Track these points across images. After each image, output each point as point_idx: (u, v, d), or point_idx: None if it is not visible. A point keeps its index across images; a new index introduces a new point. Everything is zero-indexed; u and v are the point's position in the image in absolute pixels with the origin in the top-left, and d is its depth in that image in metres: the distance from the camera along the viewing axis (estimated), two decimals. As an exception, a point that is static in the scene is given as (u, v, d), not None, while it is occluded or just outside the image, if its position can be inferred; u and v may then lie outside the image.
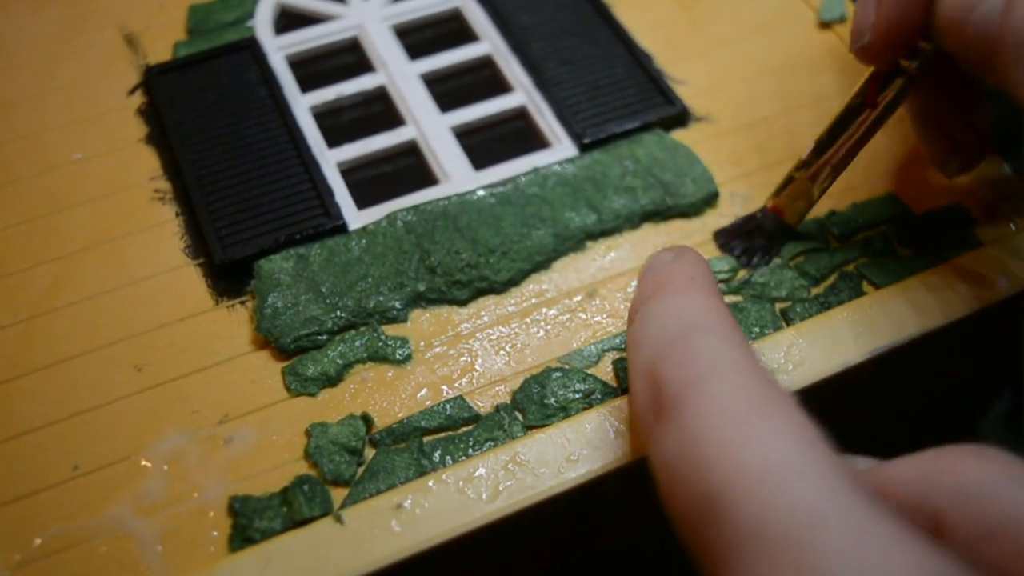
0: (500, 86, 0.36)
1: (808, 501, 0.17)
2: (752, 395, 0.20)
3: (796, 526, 0.17)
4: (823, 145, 0.29)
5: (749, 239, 0.30)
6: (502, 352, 0.28)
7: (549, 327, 0.29)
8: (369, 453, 0.26)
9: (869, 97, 0.28)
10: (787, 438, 0.19)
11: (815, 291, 0.30)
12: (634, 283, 0.30)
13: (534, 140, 0.34)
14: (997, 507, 0.19)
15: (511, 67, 0.36)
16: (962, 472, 0.19)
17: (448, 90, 0.35)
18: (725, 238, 0.31)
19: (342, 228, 0.31)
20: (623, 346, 0.28)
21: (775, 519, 0.17)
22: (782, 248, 0.31)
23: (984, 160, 0.32)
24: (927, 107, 0.30)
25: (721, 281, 0.30)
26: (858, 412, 0.32)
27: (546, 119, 0.34)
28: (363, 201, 0.32)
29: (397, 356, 0.28)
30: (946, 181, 0.32)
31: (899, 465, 0.21)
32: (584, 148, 0.33)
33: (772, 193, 0.31)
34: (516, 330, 0.29)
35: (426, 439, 0.27)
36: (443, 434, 0.27)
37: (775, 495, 0.18)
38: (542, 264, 0.30)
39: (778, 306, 0.29)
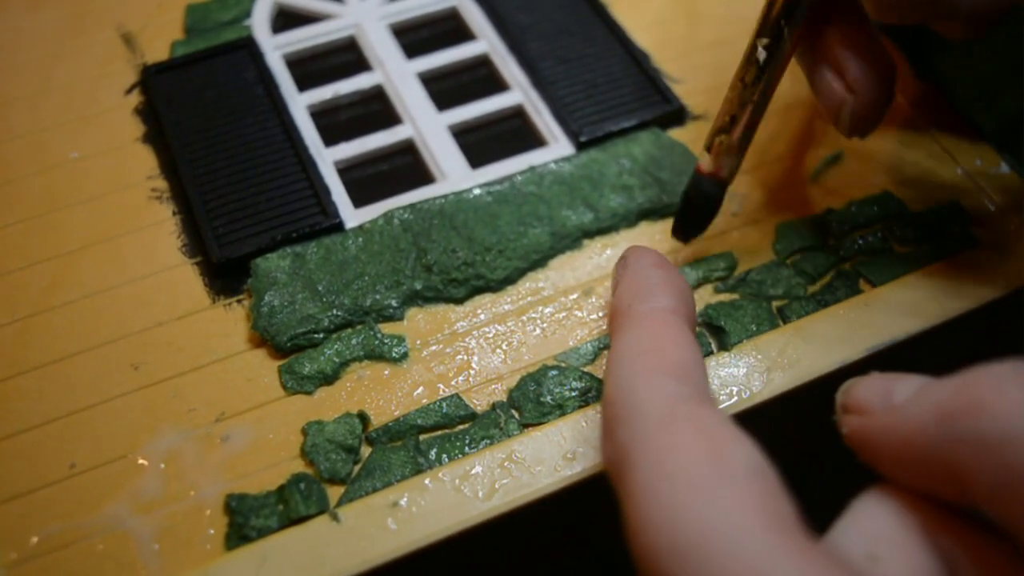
0: (497, 85, 0.36)
1: (743, 566, 0.17)
2: (671, 468, 0.19)
3: None
4: (744, 102, 0.28)
5: (698, 207, 0.30)
6: (498, 350, 0.28)
7: (545, 325, 0.29)
8: (365, 451, 0.26)
9: (782, 37, 0.27)
10: (716, 503, 0.18)
11: (812, 289, 0.30)
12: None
13: (531, 139, 0.34)
14: (1008, 453, 0.17)
15: (508, 66, 0.36)
16: (979, 412, 0.18)
17: (445, 89, 0.35)
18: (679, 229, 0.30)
19: (339, 227, 0.31)
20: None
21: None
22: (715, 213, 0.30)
23: (884, 118, 0.29)
24: (817, 37, 0.28)
25: (718, 279, 0.30)
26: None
27: (543, 118, 0.34)
28: (360, 200, 0.32)
29: (393, 354, 0.28)
30: (945, 181, 0.32)
31: (919, 402, 0.19)
32: (581, 147, 0.33)
33: (701, 156, 0.29)
34: (512, 328, 0.29)
35: (422, 437, 0.27)
36: (439, 432, 0.27)
37: (703, 566, 0.17)
38: (539, 262, 0.30)
39: (775, 304, 0.29)
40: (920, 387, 0.20)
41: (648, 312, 0.24)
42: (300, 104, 0.34)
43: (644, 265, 0.26)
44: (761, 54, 0.27)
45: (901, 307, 0.29)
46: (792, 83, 0.35)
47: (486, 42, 0.36)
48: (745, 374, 0.28)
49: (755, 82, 0.28)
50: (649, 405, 0.21)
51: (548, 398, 0.27)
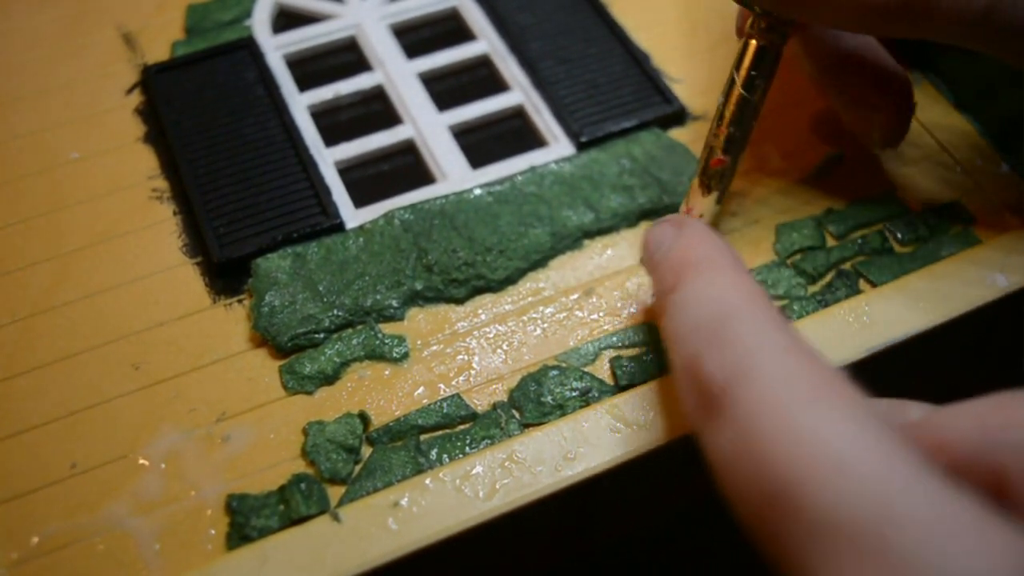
0: (498, 85, 0.36)
1: (879, 490, 0.17)
2: (801, 380, 0.19)
3: (870, 518, 0.16)
4: (717, 146, 0.28)
5: None
6: (499, 350, 0.28)
7: (546, 325, 0.29)
8: (366, 451, 0.26)
9: (754, 87, 0.28)
10: (846, 421, 0.18)
11: (812, 289, 0.30)
12: (631, 281, 0.30)
13: (531, 139, 0.34)
14: None
15: (509, 66, 0.36)
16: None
17: (446, 89, 0.35)
18: None
19: (339, 227, 0.31)
20: (620, 344, 0.28)
21: (847, 512, 0.17)
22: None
23: (907, 131, 0.31)
24: (841, 84, 0.30)
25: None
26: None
27: (543, 118, 0.34)
28: (360, 200, 0.32)
29: (394, 354, 0.28)
30: (945, 180, 0.32)
31: (956, 415, 0.20)
32: (581, 147, 0.33)
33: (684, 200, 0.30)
34: (513, 328, 0.29)
35: (423, 437, 0.27)
36: (440, 432, 0.27)
37: (843, 486, 0.17)
38: (539, 263, 0.30)
39: (775, 304, 0.29)
40: (931, 407, 0.21)
41: (732, 267, 0.23)
42: (301, 104, 0.34)
43: (706, 228, 0.26)
44: (743, 98, 0.28)
45: (902, 307, 0.29)
46: (791, 82, 0.35)
47: (487, 42, 0.36)
48: (746, 374, 0.27)
49: (718, 125, 0.28)
50: (768, 328, 0.21)
51: (549, 398, 0.27)
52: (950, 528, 0.16)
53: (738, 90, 0.28)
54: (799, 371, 0.19)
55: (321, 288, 0.29)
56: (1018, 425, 0.19)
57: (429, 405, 0.27)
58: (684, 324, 0.22)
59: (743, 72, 0.28)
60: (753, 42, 0.27)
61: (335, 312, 0.29)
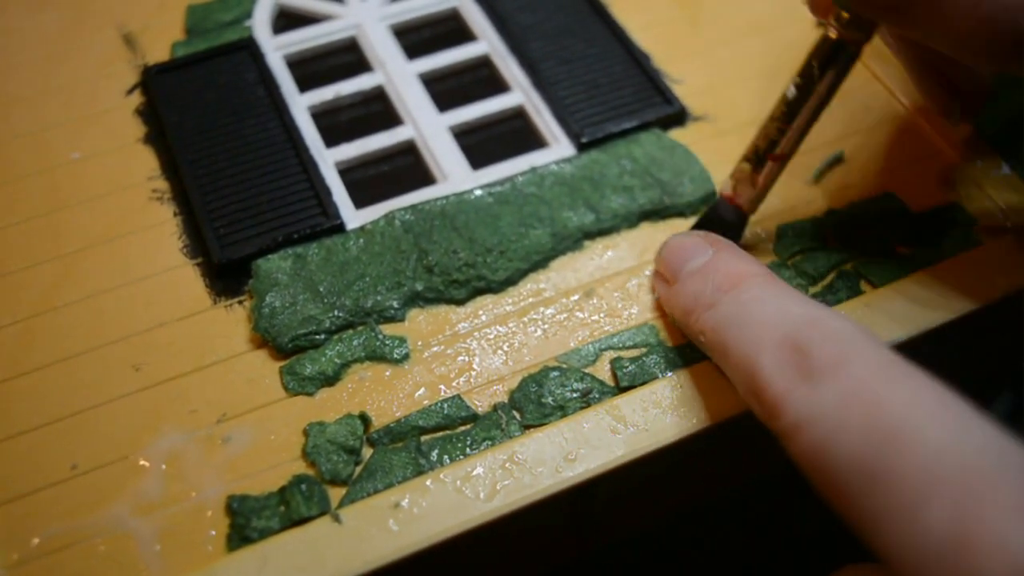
0: (498, 86, 0.36)
1: (982, 448, 0.19)
2: (896, 364, 0.21)
3: (975, 462, 0.19)
4: (771, 138, 0.28)
5: (714, 231, 0.30)
6: (500, 351, 0.28)
7: (547, 326, 0.29)
8: (367, 452, 0.26)
9: (813, 79, 0.27)
10: (941, 396, 0.20)
11: (813, 290, 0.30)
12: (632, 282, 0.30)
13: (532, 140, 0.34)
14: None
15: (509, 67, 0.36)
16: None
17: (446, 90, 0.35)
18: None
19: (340, 228, 0.31)
20: (621, 345, 0.28)
21: (955, 452, 0.19)
22: (741, 235, 0.30)
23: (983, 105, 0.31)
24: (922, 60, 0.30)
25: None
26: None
27: (544, 119, 0.34)
28: (361, 201, 0.32)
29: (395, 355, 0.28)
30: (944, 180, 0.32)
31: None
32: (582, 147, 0.33)
33: (724, 184, 0.30)
34: (514, 329, 0.29)
35: (424, 438, 0.27)
36: (441, 433, 0.27)
37: (948, 431, 0.19)
38: (540, 263, 0.30)
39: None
40: None
41: (781, 281, 0.26)
42: (301, 105, 0.34)
43: (737, 247, 0.28)
44: (791, 91, 0.27)
45: (902, 308, 0.29)
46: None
47: (487, 43, 0.36)
48: (746, 375, 0.27)
49: (782, 118, 0.28)
50: (850, 326, 0.23)
51: (549, 399, 0.27)
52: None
53: (817, 84, 0.27)
54: (892, 359, 0.22)
55: (322, 289, 0.29)
56: None
57: (430, 406, 0.27)
58: (767, 310, 0.24)
59: (819, 66, 0.27)
60: (833, 34, 0.27)
61: (336, 313, 0.29)
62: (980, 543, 0.18)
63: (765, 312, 0.24)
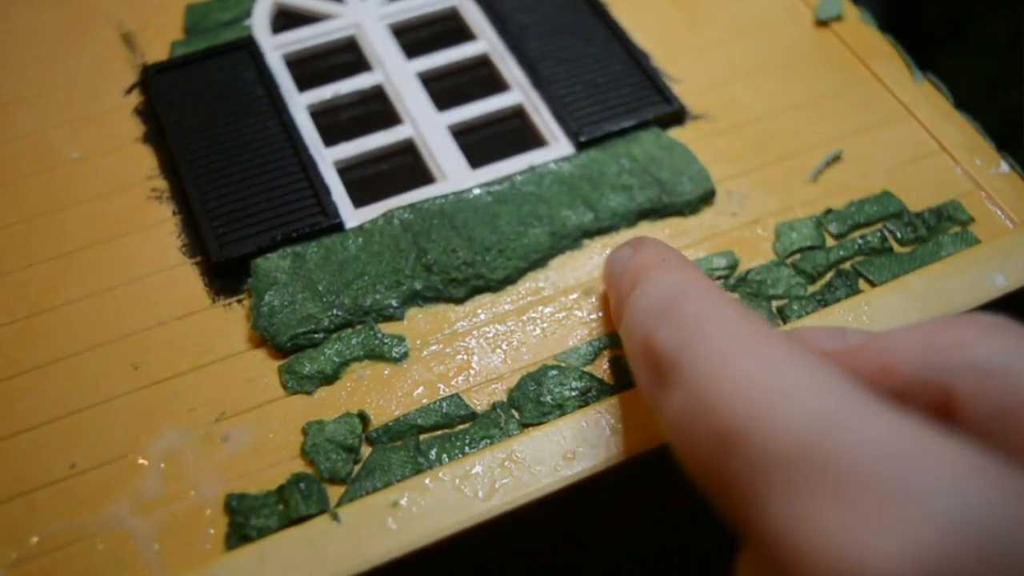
0: (497, 85, 0.36)
1: (823, 416, 0.17)
2: (743, 335, 0.20)
3: (816, 444, 0.16)
4: None
5: None
6: (498, 350, 0.28)
7: (545, 325, 0.29)
8: (366, 451, 0.26)
9: None
10: (786, 363, 0.18)
11: (812, 289, 0.30)
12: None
13: (531, 138, 0.34)
14: (1011, 382, 0.18)
15: (508, 66, 0.36)
16: (971, 345, 0.19)
17: (445, 89, 0.35)
18: None
19: (339, 226, 0.31)
20: (620, 344, 0.28)
21: (792, 440, 0.17)
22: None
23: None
24: None
25: (718, 278, 0.30)
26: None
27: (543, 117, 0.34)
28: (360, 199, 0.32)
29: (394, 354, 0.28)
30: (945, 180, 0.32)
31: (900, 338, 0.20)
32: (581, 146, 0.33)
33: None
34: (512, 328, 0.29)
35: (422, 437, 0.27)
36: (439, 432, 0.27)
37: (786, 416, 0.17)
38: (539, 262, 0.30)
39: (774, 304, 0.29)
40: (869, 332, 0.21)
41: (688, 267, 0.24)
42: (300, 104, 0.34)
43: (663, 244, 0.26)
44: None
45: (901, 307, 0.29)
46: (792, 83, 0.35)
47: (486, 42, 0.36)
48: (745, 374, 0.27)
49: None
50: (718, 298, 0.21)
51: (548, 398, 0.27)
52: (899, 446, 0.16)
53: None
54: (742, 330, 0.20)
55: (320, 288, 0.29)
56: (963, 344, 0.19)
57: (428, 405, 0.27)
58: (636, 313, 0.23)
59: None
60: None
61: (334, 312, 0.29)
62: (809, 555, 0.16)
63: (636, 313, 0.23)
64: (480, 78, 0.36)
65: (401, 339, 0.28)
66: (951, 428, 0.18)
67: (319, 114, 0.34)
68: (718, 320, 0.20)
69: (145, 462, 0.26)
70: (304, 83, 0.35)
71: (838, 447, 0.16)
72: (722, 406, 0.18)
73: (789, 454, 0.17)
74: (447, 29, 0.38)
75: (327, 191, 0.31)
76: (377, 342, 0.28)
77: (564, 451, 0.26)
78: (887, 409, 0.17)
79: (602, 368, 0.28)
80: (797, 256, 0.31)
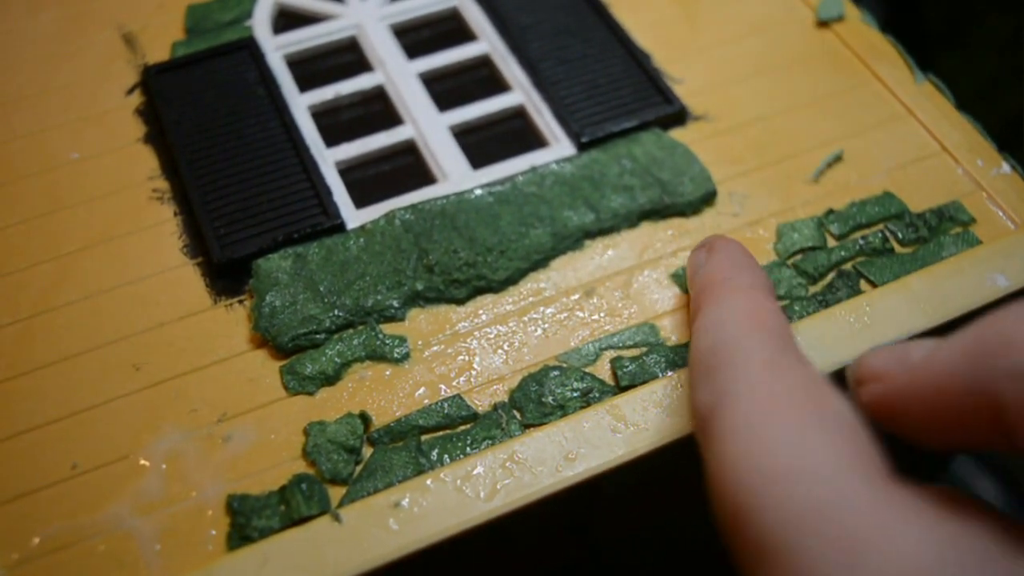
0: (498, 85, 0.36)
1: (815, 503, 0.18)
2: (771, 398, 0.20)
3: (808, 527, 0.17)
4: None
5: None
6: (500, 351, 0.28)
7: (547, 326, 0.29)
8: (367, 452, 0.26)
9: None
10: (802, 432, 0.19)
11: (813, 289, 0.30)
12: (632, 281, 0.30)
13: (532, 139, 0.34)
14: None
15: (509, 66, 0.36)
16: (1017, 347, 0.18)
17: (446, 89, 0.36)
18: None
19: (340, 227, 0.31)
20: (621, 344, 0.28)
21: (786, 528, 0.18)
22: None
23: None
24: None
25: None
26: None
27: (544, 118, 0.34)
28: (361, 200, 0.32)
29: (395, 355, 0.28)
30: (945, 181, 0.32)
31: (949, 351, 0.20)
32: (582, 147, 0.33)
33: None
34: (514, 329, 0.29)
35: (424, 438, 0.27)
36: (441, 433, 0.27)
37: (784, 497, 0.18)
38: (540, 263, 0.30)
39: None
40: (936, 343, 0.21)
41: (747, 286, 0.24)
42: (301, 105, 0.34)
43: (735, 248, 0.27)
44: None
45: (902, 307, 0.29)
46: (791, 84, 0.35)
47: (487, 42, 0.36)
48: (746, 374, 0.27)
49: None
50: (754, 352, 0.22)
51: (550, 398, 0.27)
52: (884, 531, 0.17)
53: None
54: (769, 391, 0.20)
55: (322, 288, 0.29)
56: (1008, 351, 0.18)
57: (430, 405, 0.27)
58: (692, 354, 0.24)
59: None
60: None
61: (336, 312, 0.29)
62: None
63: (693, 353, 0.23)
64: (481, 79, 0.36)
65: (402, 340, 0.28)
66: (1006, 437, 0.18)
67: (320, 115, 0.34)
68: (748, 372, 0.21)
69: (146, 463, 0.26)
70: (305, 83, 0.35)
71: (829, 542, 0.17)
72: (733, 482, 0.19)
73: (787, 542, 0.17)
74: (448, 29, 0.38)
75: (328, 192, 0.31)
76: (378, 343, 0.28)
77: (565, 452, 0.26)
78: (884, 494, 0.18)
79: (604, 369, 0.28)
80: (798, 257, 0.31)
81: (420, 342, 0.29)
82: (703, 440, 0.21)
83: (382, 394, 0.27)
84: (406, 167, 0.34)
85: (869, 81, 0.35)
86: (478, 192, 0.31)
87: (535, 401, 0.27)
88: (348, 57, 0.37)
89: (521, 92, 0.35)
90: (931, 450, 0.21)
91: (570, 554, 0.31)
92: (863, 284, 0.30)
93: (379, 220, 0.31)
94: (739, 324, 0.23)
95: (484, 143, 0.34)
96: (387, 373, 0.28)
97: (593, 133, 0.33)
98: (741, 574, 0.19)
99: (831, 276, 0.30)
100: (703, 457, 0.21)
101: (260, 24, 0.37)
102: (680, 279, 0.30)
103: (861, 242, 0.31)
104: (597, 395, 0.27)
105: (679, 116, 0.34)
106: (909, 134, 0.34)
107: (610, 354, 0.28)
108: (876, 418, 0.22)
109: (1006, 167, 0.33)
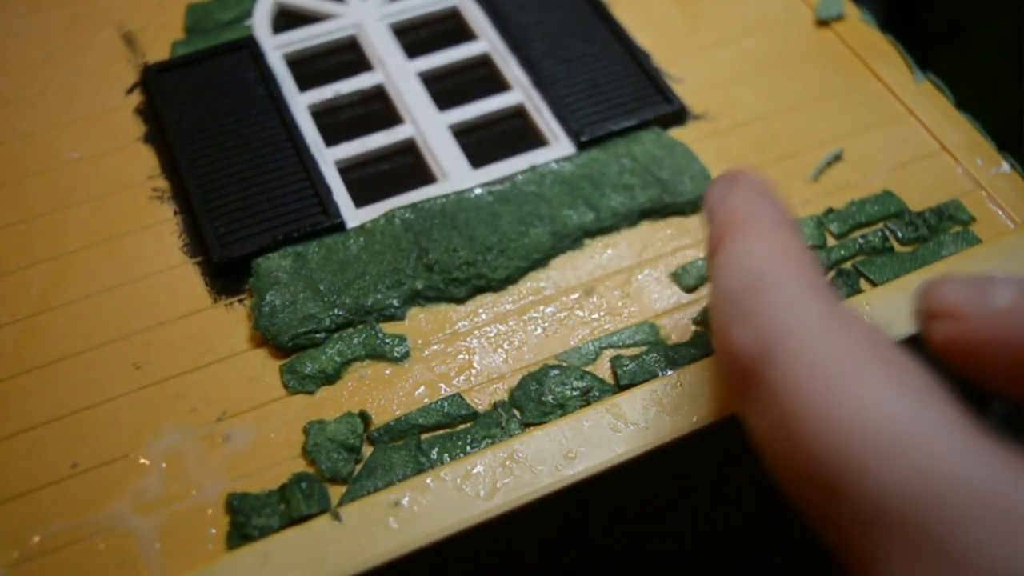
0: (498, 84, 0.36)
1: (926, 471, 0.16)
2: (839, 347, 0.18)
3: (923, 507, 0.15)
4: None
5: None
6: (500, 350, 0.28)
7: (547, 325, 0.29)
8: (367, 451, 0.26)
9: None
10: (893, 393, 0.17)
11: (813, 288, 0.30)
12: (632, 280, 0.30)
13: (532, 138, 0.34)
14: None
15: (509, 66, 0.36)
16: None
17: (446, 88, 0.36)
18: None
19: (340, 226, 0.31)
20: (621, 343, 0.28)
21: (896, 500, 0.16)
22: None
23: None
24: None
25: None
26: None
27: (544, 117, 0.34)
28: (361, 199, 0.32)
29: (395, 354, 0.28)
30: (945, 180, 0.32)
31: None
32: (582, 146, 0.33)
33: None
34: (514, 328, 0.29)
35: (424, 437, 0.27)
36: (441, 432, 0.27)
37: (891, 469, 0.16)
38: (540, 262, 0.30)
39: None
40: (1020, 284, 0.19)
41: (777, 223, 0.22)
42: (301, 104, 0.34)
43: (760, 182, 0.24)
44: None
45: (902, 307, 0.29)
46: (791, 84, 0.35)
47: (487, 42, 0.37)
48: (746, 373, 0.27)
49: None
50: (802, 295, 0.19)
51: (549, 397, 0.27)
52: (1009, 520, 0.15)
53: None
54: (834, 340, 0.18)
55: (322, 287, 0.29)
56: None
57: (430, 404, 0.27)
58: (718, 293, 0.21)
59: None
60: None
61: (336, 311, 0.29)
62: None
63: (719, 291, 0.21)
64: (481, 78, 0.36)
65: (402, 339, 0.28)
66: None
67: (320, 114, 0.34)
68: (802, 323, 0.19)
69: (146, 462, 0.26)
70: (305, 83, 0.35)
71: (949, 514, 0.15)
72: (814, 444, 0.17)
73: (898, 517, 0.16)
74: (448, 29, 0.38)
75: (328, 191, 0.31)
76: (378, 342, 0.28)
77: (565, 451, 0.26)
78: (992, 455, 0.16)
79: (603, 368, 0.28)
80: (798, 256, 0.31)
81: (420, 341, 0.29)
82: (749, 387, 0.19)
83: (382, 393, 0.27)
84: (406, 166, 0.34)
85: (869, 81, 0.36)
86: (478, 191, 0.31)
87: (535, 400, 0.27)
88: (348, 56, 0.37)
89: (521, 91, 0.35)
90: (1010, 400, 0.19)
91: (570, 554, 0.31)
92: (863, 283, 0.30)
93: (379, 219, 0.31)
94: (775, 264, 0.21)
95: (484, 142, 0.34)
96: (387, 372, 0.28)
97: (593, 132, 0.33)
98: (831, 546, 0.17)
99: (831, 275, 0.30)
100: (748, 404, 0.19)
101: (260, 23, 0.37)
102: (680, 278, 0.30)
103: (861, 241, 0.31)
104: (597, 394, 0.27)
105: (679, 115, 0.34)
106: (909, 133, 0.34)
107: (610, 353, 0.28)
108: (948, 359, 0.20)
109: (1006, 166, 0.33)
